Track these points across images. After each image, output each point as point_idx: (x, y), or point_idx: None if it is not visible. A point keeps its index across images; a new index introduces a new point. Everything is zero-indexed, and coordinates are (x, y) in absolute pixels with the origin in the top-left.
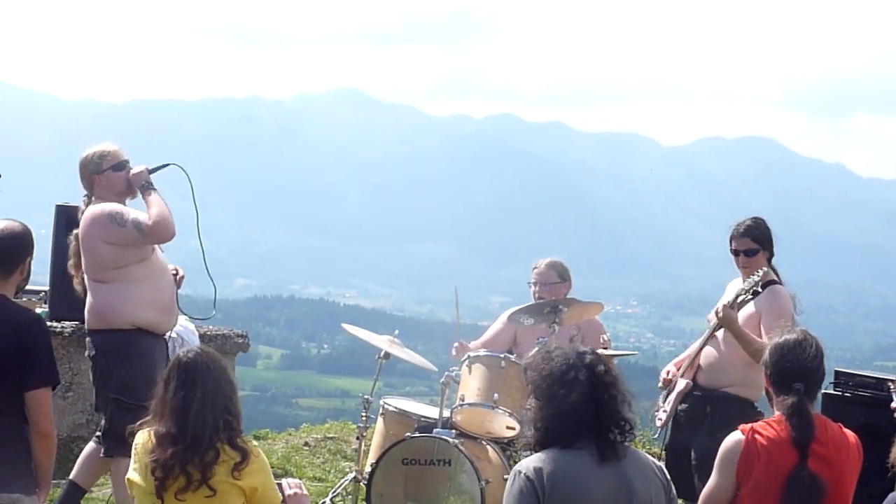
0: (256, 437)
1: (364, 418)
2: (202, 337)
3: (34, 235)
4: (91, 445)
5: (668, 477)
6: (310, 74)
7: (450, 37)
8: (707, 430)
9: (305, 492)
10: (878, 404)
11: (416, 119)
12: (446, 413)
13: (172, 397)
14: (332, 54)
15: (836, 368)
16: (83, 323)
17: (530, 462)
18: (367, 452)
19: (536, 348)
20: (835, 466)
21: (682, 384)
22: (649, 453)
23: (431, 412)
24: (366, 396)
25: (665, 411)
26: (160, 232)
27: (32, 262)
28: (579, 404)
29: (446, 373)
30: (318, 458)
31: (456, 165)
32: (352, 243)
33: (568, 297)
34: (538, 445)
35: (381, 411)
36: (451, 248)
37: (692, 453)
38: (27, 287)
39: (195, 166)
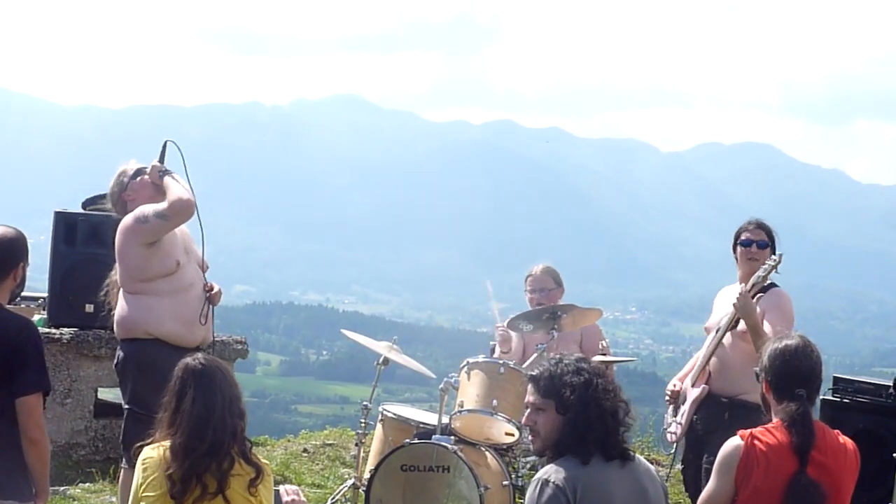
0: (255, 444)
1: (363, 425)
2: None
3: (33, 242)
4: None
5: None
6: (309, 80)
7: (450, 43)
8: (724, 438)
9: (303, 498)
10: (877, 410)
11: (416, 125)
12: (445, 419)
13: (191, 406)
14: (331, 60)
15: (835, 374)
16: (81, 330)
17: (555, 471)
18: (365, 459)
19: (535, 354)
20: (833, 473)
21: (695, 392)
22: (647, 459)
23: (430, 418)
24: (365, 403)
25: (679, 424)
26: (180, 211)
27: (29, 269)
28: (595, 412)
29: (445, 379)
30: (317, 464)
31: (455, 171)
32: (351, 249)
33: (565, 303)
34: (555, 454)
35: (379, 418)
36: (450, 254)
37: (704, 457)
38: (26, 294)
39: (194, 172)
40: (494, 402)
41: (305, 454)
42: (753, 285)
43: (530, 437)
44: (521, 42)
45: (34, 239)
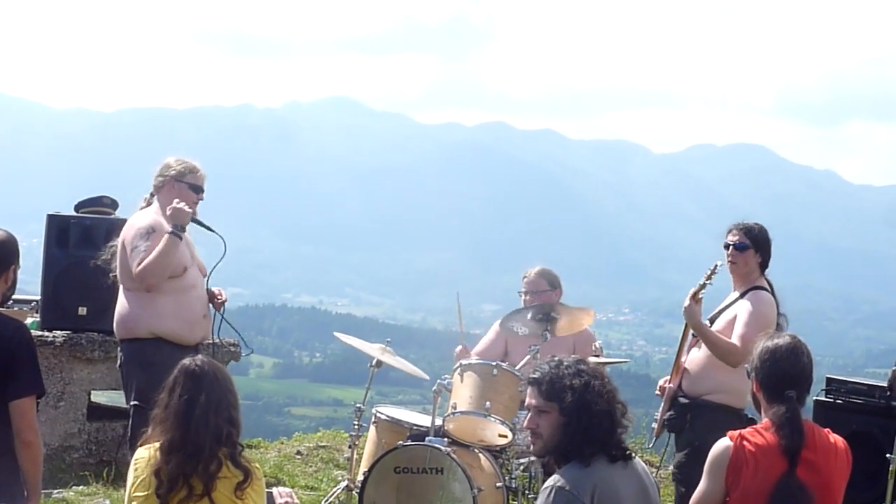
0: (249, 446)
1: (356, 427)
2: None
3: (26, 245)
4: None
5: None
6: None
7: (443, 46)
8: (686, 440)
9: (297, 500)
10: (870, 411)
11: (408, 127)
12: (438, 421)
13: (176, 403)
14: (324, 63)
15: (828, 375)
16: (74, 332)
17: (567, 476)
18: (359, 461)
19: (528, 356)
20: (823, 472)
21: (668, 391)
22: (641, 460)
23: (423, 420)
24: (358, 405)
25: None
26: (143, 277)
27: (22, 272)
28: (597, 414)
29: (438, 381)
30: (311, 466)
31: (448, 173)
32: (344, 251)
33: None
34: (557, 457)
35: (373, 420)
36: (443, 256)
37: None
38: (18, 297)
39: None
40: (488, 403)
41: (299, 456)
42: (695, 293)
43: (531, 440)
44: (514, 44)
45: (27, 242)
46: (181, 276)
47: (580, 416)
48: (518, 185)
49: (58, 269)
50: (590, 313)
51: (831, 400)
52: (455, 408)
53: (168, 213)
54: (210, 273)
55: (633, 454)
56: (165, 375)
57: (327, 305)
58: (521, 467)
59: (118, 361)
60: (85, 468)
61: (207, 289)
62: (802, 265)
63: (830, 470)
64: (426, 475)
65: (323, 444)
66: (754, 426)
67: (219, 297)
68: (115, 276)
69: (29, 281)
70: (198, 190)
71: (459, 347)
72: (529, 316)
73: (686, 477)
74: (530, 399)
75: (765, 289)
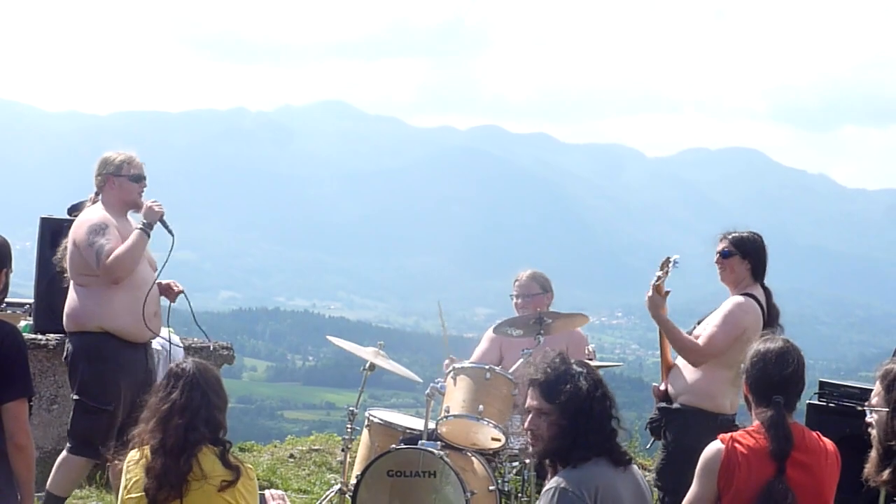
0: (242, 450)
1: (349, 430)
2: (187, 349)
3: (19, 248)
4: (63, 454)
5: None
6: (294, 87)
7: (436, 50)
8: (663, 445)
9: (288, 502)
10: (863, 415)
11: (401, 131)
12: (431, 425)
13: (158, 404)
14: (317, 67)
15: (821, 379)
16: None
17: (570, 477)
18: (352, 464)
19: (521, 360)
20: (814, 473)
21: (654, 390)
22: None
23: (416, 424)
24: (351, 408)
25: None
26: (112, 269)
27: (15, 275)
28: (598, 417)
29: (431, 384)
30: (304, 470)
31: (441, 177)
32: (337, 255)
33: (551, 308)
34: (561, 461)
35: (366, 423)
36: (436, 259)
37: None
38: (11, 300)
39: (181, 178)
40: (481, 407)
41: (292, 460)
42: (656, 285)
43: (531, 441)
44: (508, 47)
45: (20, 245)
46: (132, 272)
47: (581, 419)
48: (511, 188)
49: (51, 273)
50: (584, 318)
51: (824, 403)
52: (448, 411)
53: (142, 212)
54: (161, 269)
55: (632, 458)
56: (111, 371)
57: (320, 309)
58: (514, 471)
59: (64, 353)
60: None
61: (161, 283)
62: (796, 269)
63: (821, 471)
64: (419, 479)
65: (316, 447)
66: (745, 429)
67: (175, 288)
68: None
69: (22, 284)
70: (138, 179)
71: (446, 361)
72: (523, 322)
73: (664, 482)
74: (531, 400)
75: (752, 296)
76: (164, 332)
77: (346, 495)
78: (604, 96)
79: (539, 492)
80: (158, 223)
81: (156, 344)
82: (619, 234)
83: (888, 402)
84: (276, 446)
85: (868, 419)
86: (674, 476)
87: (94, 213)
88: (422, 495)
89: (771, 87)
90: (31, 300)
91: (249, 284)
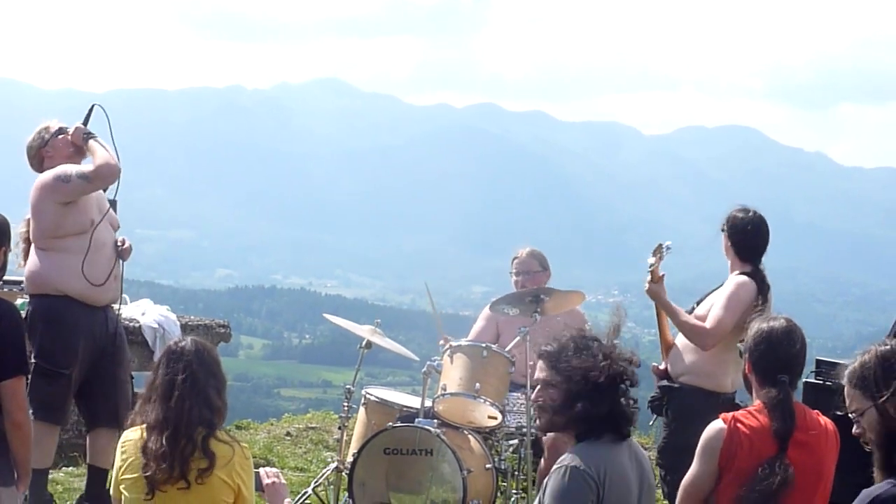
0: (238, 428)
1: (346, 408)
2: (184, 327)
3: (16, 226)
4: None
5: None
6: (291, 64)
7: (433, 27)
8: (665, 423)
9: (283, 480)
10: None
11: (398, 109)
12: (428, 403)
13: (159, 383)
14: (314, 44)
15: (818, 357)
16: None
17: (579, 455)
18: (348, 442)
19: (518, 338)
20: (815, 452)
21: (653, 369)
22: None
23: (413, 402)
24: (347, 386)
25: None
26: (105, 174)
27: (11, 254)
28: (607, 391)
29: (428, 362)
30: (300, 448)
31: (437, 155)
32: (333, 233)
33: (548, 286)
34: (563, 432)
35: (362, 401)
36: (433, 237)
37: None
38: (9, 278)
39: (178, 156)
40: (477, 385)
41: (288, 438)
42: (651, 273)
43: (537, 414)
44: (505, 25)
45: (17, 223)
46: (88, 231)
47: (589, 392)
48: (508, 166)
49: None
50: (580, 296)
51: (821, 382)
52: (445, 389)
53: (73, 140)
54: (103, 217)
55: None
56: (69, 334)
57: (317, 287)
58: (511, 449)
59: (24, 315)
60: (75, 449)
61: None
62: (792, 247)
63: (822, 450)
64: (416, 456)
65: (312, 425)
66: (747, 408)
67: (120, 245)
68: (21, 251)
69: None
70: (61, 132)
71: (441, 341)
72: (520, 299)
73: (667, 461)
74: (539, 372)
75: (748, 273)
76: (161, 309)
77: (343, 473)
78: (601, 74)
79: (535, 470)
80: (87, 119)
81: (153, 322)
82: (617, 212)
83: (871, 398)
84: (272, 424)
85: (856, 431)
86: (676, 454)
87: (47, 172)
88: (418, 473)
89: (768, 65)
90: None
91: (246, 262)
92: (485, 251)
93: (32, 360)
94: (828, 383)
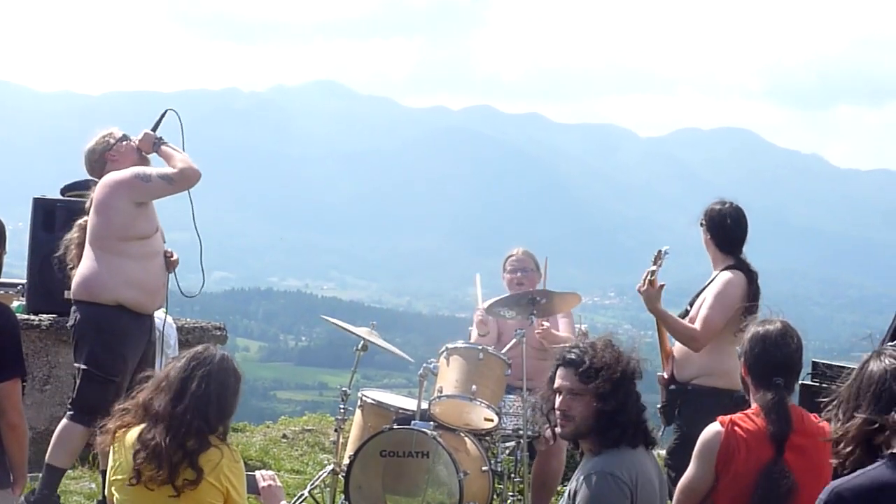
0: (234, 430)
1: (342, 410)
2: (180, 330)
3: (12, 228)
4: (64, 422)
5: None
6: (287, 66)
7: (429, 30)
8: (677, 426)
9: (279, 483)
10: None
11: (394, 111)
12: (424, 405)
13: (173, 378)
14: (310, 46)
15: (814, 359)
16: (60, 316)
17: (612, 461)
18: (345, 445)
19: (514, 340)
20: (813, 456)
21: (659, 379)
22: None
23: (409, 404)
24: (343, 388)
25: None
26: (189, 176)
27: (9, 256)
28: (632, 399)
29: (424, 364)
30: (297, 450)
31: (434, 157)
32: (330, 235)
33: (541, 288)
34: (611, 445)
35: (359, 403)
36: (429, 239)
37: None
38: (5, 280)
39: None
40: (474, 387)
41: (285, 440)
42: (649, 279)
43: (561, 422)
44: (501, 28)
45: (13, 225)
46: (151, 237)
47: (616, 402)
48: (504, 168)
49: (44, 253)
50: (577, 297)
51: (817, 384)
52: (441, 391)
53: (140, 147)
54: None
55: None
56: (120, 343)
57: (313, 289)
58: (507, 451)
59: (70, 321)
60: None
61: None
62: (789, 249)
63: (819, 454)
64: (412, 459)
65: (309, 427)
66: (744, 412)
67: (170, 257)
68: (71, 257)
69: (15, 265)
70: (125, 138)
71: (479, 310)
72: (516, 301)
73: (677, 463)
74: (563, 381)
75: (733, 267)
76: (158, 312)
77: (339, 475)
78: (597, 76)
79: (531, 472)
80: (158, 125)
81: None
82: (612, 213)
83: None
84: (268, 427)
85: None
86: (687, 457)
87: (123, 171)
88: (415, 475)
89: (764, 67)
90: (24, 280)
91: (242, 264)
92: (481, 253)
93: (83, 367)
94: (824, 385)
